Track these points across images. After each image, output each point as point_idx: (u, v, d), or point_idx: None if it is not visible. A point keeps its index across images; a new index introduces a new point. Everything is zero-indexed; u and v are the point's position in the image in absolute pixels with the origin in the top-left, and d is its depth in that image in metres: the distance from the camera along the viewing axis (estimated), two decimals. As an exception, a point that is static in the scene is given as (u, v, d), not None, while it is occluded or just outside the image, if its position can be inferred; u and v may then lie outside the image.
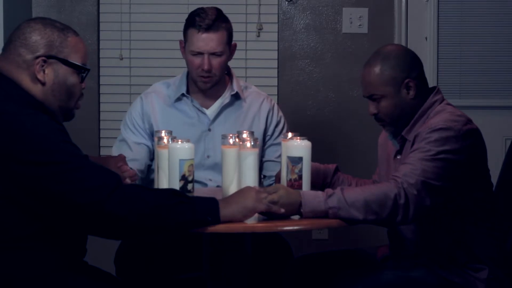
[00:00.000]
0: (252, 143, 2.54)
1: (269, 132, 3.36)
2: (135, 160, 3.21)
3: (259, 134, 3.30)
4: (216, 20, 3.19)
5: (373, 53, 2.81)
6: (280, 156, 3.18)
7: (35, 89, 2.39)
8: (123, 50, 4.35)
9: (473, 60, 4.32)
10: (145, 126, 3.30)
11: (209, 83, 3.25)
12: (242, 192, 2.45)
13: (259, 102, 3.37)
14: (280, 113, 3.42)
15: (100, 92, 4.37)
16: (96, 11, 4.34)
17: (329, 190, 2.53)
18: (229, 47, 3.26)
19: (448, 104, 2.79)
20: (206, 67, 3.18)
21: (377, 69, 2.74)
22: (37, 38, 2.39)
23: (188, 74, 3.33)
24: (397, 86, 2.74)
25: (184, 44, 3.27)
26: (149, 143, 3.29)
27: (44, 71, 2.39)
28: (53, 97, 2.41)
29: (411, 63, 2.76)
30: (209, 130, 3.30)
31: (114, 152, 3.30)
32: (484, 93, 4.33)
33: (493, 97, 4.33)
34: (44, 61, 2.39)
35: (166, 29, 4.32)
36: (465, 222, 2.73)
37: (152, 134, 3.24)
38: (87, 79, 4.41)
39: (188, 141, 2.54)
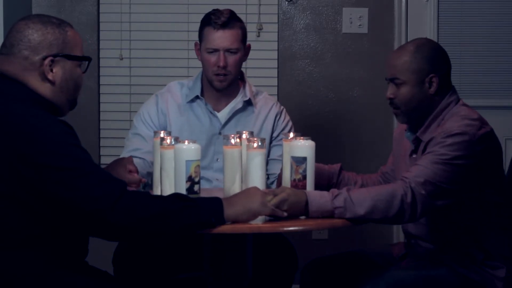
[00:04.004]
0: (260, 144, 2.54)
1: (275, 134, 3.40)
2: (150, 152, 3.19)
3: (266, 136, 3.34)
4: (231, 19, 3.27)
5: (410, 40, 2.86)
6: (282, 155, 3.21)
7: (44, 89, 2.40)
8: (123, 50, 4.34)
9: (473, 60, 4.32)
10: (159, 124, 3.33)
11: (224, 82, 3.28)
12: (248, 193, 2.45)
13: (268, 107, 3.42)
14: (288, 118, 3.47)
15: (100, 92, 4.37)
16: (96, 11, 4.34)
17: (334, 190, 2.54)
18: (244, 47, 3.32)
19: (464, 104, 2.81)
20: (222, 63, 3.24)
21: (408, 55, 2.77)
22: (41, 39, 2.39)
23: (202, 76, 3.36)
24: (421, 78, 2.76)
25: (200, 44, 3.32)
26: None
27: (52, 70, 2.40)
28: (62, 93, 2.43)
29: (441, 61, 2.79)
30: (220, 134, 3.32)
31: (129, 143, 3.32)
32: (484, 93, 4.34)
33: (493, 97, 4.34)
34: (52, 61, 2.39)
35: (166, 29, 4.32)
36: (479, 222, 2.75)
37: None
38: (87, 79, 4.44)
39: (194, 142, 2.54)
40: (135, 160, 3.15)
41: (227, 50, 3.25)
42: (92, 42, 4.33)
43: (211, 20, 3.26)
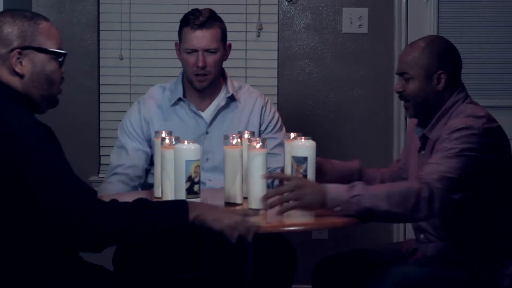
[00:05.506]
0: (261, 144, 2.55)
1: (263, 127, 3.42)
2: (133, 166, 3.29)
3: (254, 130, 3.33)
4: (209, 18, 3.27)
5: (422, 37, 2.91)
6: (274, 148, 3.28)
7: (15, 83, 2.37)
8: (123, 50, 4.34)
9: (473, 60, 4.31)
10: (143, 133, 3.35)
11: (205, 82, 3.29)
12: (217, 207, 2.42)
13: (252, 101, 3.43)
14: (274, 109, 3.48)
15: (100, 92, 4.37)
16: (96, 11, 4.34)
17: (351, 184, 2.58)
18: (224, 46, 3.32)
19: (471, 102, 2.86)
20: (201, 63, 3.24)
21: (418, 51, 2.81)
22: (9, 31, 2.36)
23: (183, 77, 3.38)
24: (429, 73, 2.80)
25: (179, 45, 3.32)
26: (147, 149, 3.35)
27: (21, 63, 2.37)
28: (34, 87, 2.39)
29: (451, 59, 2.84)
30: (207, 133, 3.34)
31: (113, 158, 3.36)
32: (485, 93, 4.33)
33: (493, 97, 4.33)
34: (20, 53, 2.36)
35: (166, 29, 4.32)
36: (487, 219, 2.77)
37: (150, 140, 3.31)
38: (87, 79, 4.43)
39: (194, 142, 2.54)
40: (118, 178, 3.24)
41: (206, 50, 3.25)
42: (92, 42, 4.33)
43: (189, 20, 3.26)
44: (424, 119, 2.86)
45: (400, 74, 2.84)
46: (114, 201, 2.31)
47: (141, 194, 3.05)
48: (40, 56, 2.39)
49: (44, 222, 2.22)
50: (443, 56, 2.81)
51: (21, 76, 2.37)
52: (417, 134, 2.91)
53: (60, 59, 2.43)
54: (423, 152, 2.87)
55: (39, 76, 2.39)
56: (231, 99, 3.38)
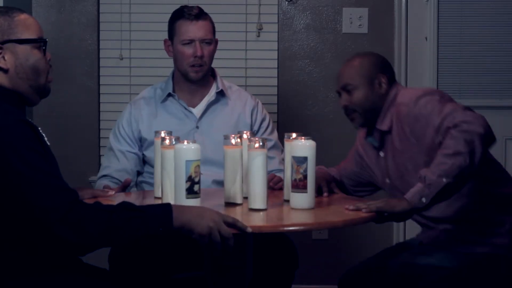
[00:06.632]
0: (261, 143, 2.55)
1: (255, 128, 3.46)
2: (122, 170, 3.34)
3: (245, 130, 3.34)
4: (201, 12, 3.37)
5: (351, 56, 3.04)
6: (268, 150, 3.26)
7: (1, 79, 2.37)
8: (123, 50, 4.34)
9: (473, 60, 4.32)
10: (133, 134, 3.40)
11: (200, 73, 3.35)
12: (202, 207, 2.42)
13: (243, 100, 3.48)
14: (265, 111, 3.52)
15: (100, 92, 4.37)
16: (96, 11, 4.34)
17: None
18: (215, 39, 3.40)
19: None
20: (199, 52, 3.31)
21: (355, 63, 2.94)
22: None
23: (173, 75, 3.44)
24: (371, 79, 2.91)
25: (172, 40, 3.40)
26: (135, 150, 3.40)
27: (4, 58, 2.37)
28: (21, 80, 2.39)
29: (385, 65, 2.97)
30: (197, 127, 3.37)
31: (103, 160, 3.42)
32: (484, 93, 4.34)
33: (493, 97, 4.33)
34: (1, 48, 2.37)
35: (166, 29, 4.30)
36: (483, 188, 2.83)
37: (141, 140, 3.38)
38: (87, 78, 4.44)
39: (194, 141, 2.54)
40: (107, 180, 3.27)
41: (203, 41, 3.33)
42: (92, 42, 4.34)
43: (184, 13, 3.36)
44: (372, 126, 2.95)
45: (343, 88, 2.94)
46: (96, 203, 2.30)
47: (137, 195, 3.07)
48: (22, 48, 2.39)
49: (26, 221, 2.21)
50: (380, 63, 2.95)
51: (5, 71, 2.38)
52: (371, 142, 2.99)
53: (43, 48, 2.43)
54: (382, 153, 2.96)
55: (24, 68, 2.39)
56: (221, 94, 3.43)
